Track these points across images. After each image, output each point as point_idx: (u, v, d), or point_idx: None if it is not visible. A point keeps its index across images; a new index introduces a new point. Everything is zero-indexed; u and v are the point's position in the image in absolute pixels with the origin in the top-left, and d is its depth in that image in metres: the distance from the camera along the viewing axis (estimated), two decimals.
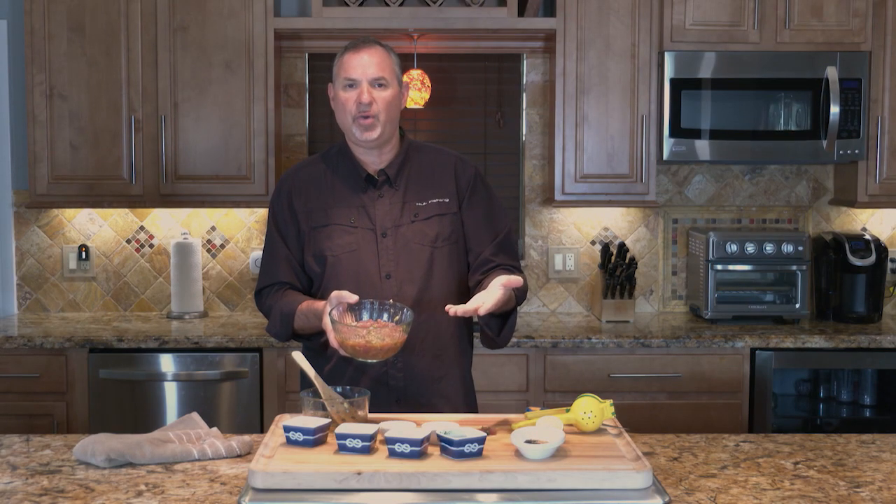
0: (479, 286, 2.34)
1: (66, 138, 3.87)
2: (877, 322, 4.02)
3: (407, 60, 4.06)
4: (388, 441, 1.82)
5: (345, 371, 2.37)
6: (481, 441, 1.82)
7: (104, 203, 3.93)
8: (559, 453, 1.84)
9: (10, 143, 4.19)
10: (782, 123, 3.88)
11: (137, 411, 3.64)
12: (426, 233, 2.40)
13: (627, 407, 3.59)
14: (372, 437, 1.85)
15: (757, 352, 3.69)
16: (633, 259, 4.06)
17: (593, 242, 4.27)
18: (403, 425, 1.94)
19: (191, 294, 4.09)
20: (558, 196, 3.95)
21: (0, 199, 4.20)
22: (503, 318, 2.36)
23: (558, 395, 3.68)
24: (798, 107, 3.86)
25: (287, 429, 1.90)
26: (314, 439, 1.89)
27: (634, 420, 3.56)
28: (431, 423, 1.99)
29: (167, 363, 3.64)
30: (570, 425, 2.01)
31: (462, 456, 1.80)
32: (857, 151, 3.88)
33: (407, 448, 1.80)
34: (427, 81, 4.04)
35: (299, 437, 1.89)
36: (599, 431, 2.00)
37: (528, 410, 2.08)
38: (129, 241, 4.23)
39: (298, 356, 2.15)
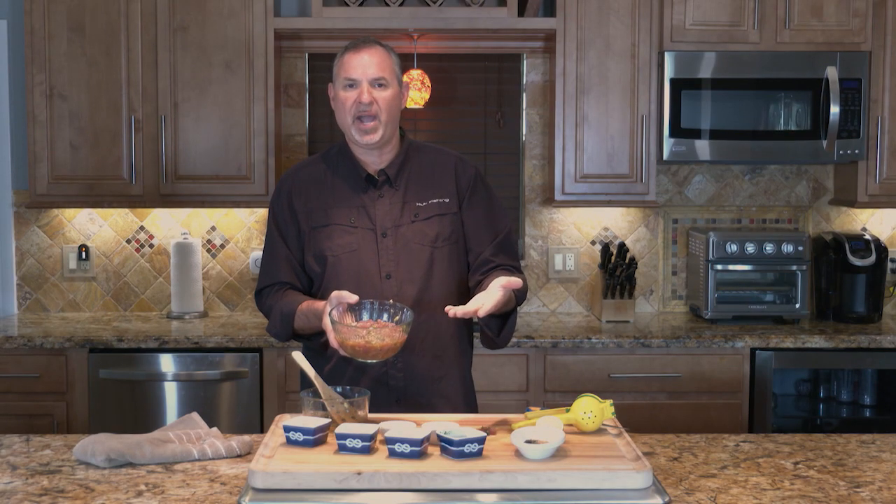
0: (479, 287, 2.34)
1: (66, 138, 3.87)
2: (877, 322, 4.02)
3: (407, 60, 4.06)
4: (388, 441, 1.82)
5: (345, 371, 2.37)
6: (481, 441, 1.82)
7: (104, 203, 3.93)
8: (559, 453, 1.84)
9: (10, 143, 4.19)
10: (782, 123, 3.88)
11: (137, 411, 3.64)
12: (426, 233, 2.40)
13: (627, 407, 3.59)
14: (372, 437, 1.85)
15: (757, 352, 3.69)
16: (633, 259, 4.05)
17: (593, 242, 4.27)
18: (403, 425, 1.94)
19: (191, 294, 4.09)
20: (558, 196, 3.95)
21: (0, 199, 4.20)
22: (503, 318, 2.36)
23: (558, 395, 3.68)
24: (798, 107, 3.86)
25: (287, 429, 1.90)
26: (314, 439, 1.89)
27: (634, 420, 3.56)
28: (431, 423, 1.99)
29: (167, 363, 3.64)
30: (570, 425, 2.01)
31: (462, 456, 1.80)
32: (857, 151, 3.88)
33: (407, 448, 1.80)
34: (427, 81, 4.04)
35: (299, 437, 1.89)
36: (599, 431, 2.00)
37: (528, 410, 2.08)
38: (129, 241, 4.23)
39: (298, 356, 2.15)
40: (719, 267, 3.94)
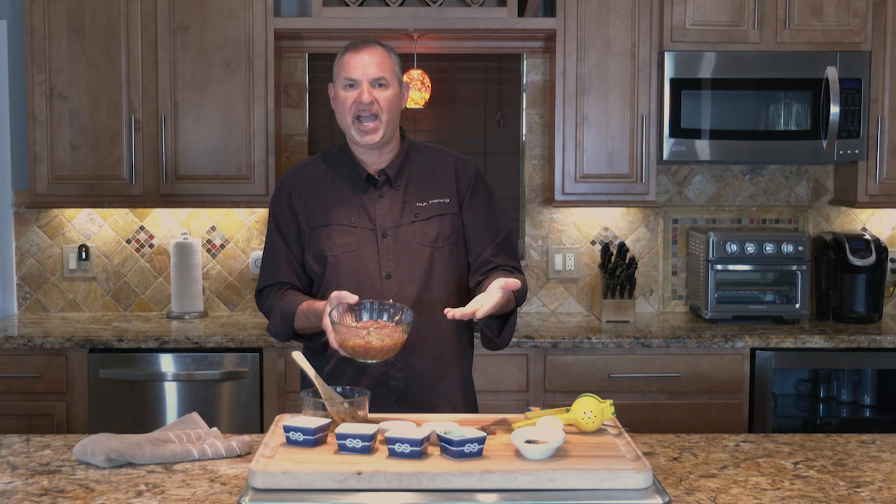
0: (479, 287, 2.34)
1: (66, 138, 3.87)
2: (877, 322, 4.02)
3: (407, 60, 4.06)
4: (388, 441, 1.82)
5: (345, 371, 2.37)
6: (481, 441, 1.82)
7: (104, 203, 3.93)
8: (559, 453, 1.84)
9: (10, 143, 4.19)
10: (782, 123, 3.88)
11: (137, 411, 3.64)
12: (426, 233, 2.40)
13: (627, 407, 3.59)
14: (372, 437, 1.85)
15: (757, 352, 3.69)
16: (633, 259, 4.05)
17: (593, 242, 4.27)
18: (403, 425, 1.94)
19: (191, 294, 4.09)
20: (558, 196, 3.95)
21: (0, 199, 4.20)
22: (503, 319, 2.36)
23: (558, 395, 3.68)
24: (798, 107, 3.86)
25: (287, 429, 1.90)
26: (314, 439, 1.89)
27: (634, 420, 3.56)
28: (431, 423, 1.99)
29: (167, 363, 3.64)
30: (570, 425, 2.01)
31: (462, 456, 1.80)
32: (857, 151, 3.88)
33: (407, 448, 1.80)
34: (427, 81, 4.04)
35: (299, 437, 1.89)
36: (599, 431, 2.00)
37: (528, 410, 2.08)
38: (129, 241, 4.23)
39: (298, 356, 2.15)
40: (719, 267, 3.94)
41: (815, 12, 3.84)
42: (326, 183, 2.44)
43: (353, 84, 2.36)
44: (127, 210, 4.19)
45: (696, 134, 3.85)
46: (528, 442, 1.82)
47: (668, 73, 3.84)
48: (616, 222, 4.27)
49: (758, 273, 4.02)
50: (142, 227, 4.22)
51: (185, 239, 4.10)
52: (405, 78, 3.79)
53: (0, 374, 3.64)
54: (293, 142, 4.22)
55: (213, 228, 4.23)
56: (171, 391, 3.65)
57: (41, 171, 3.88)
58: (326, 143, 4.17)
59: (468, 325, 2.51)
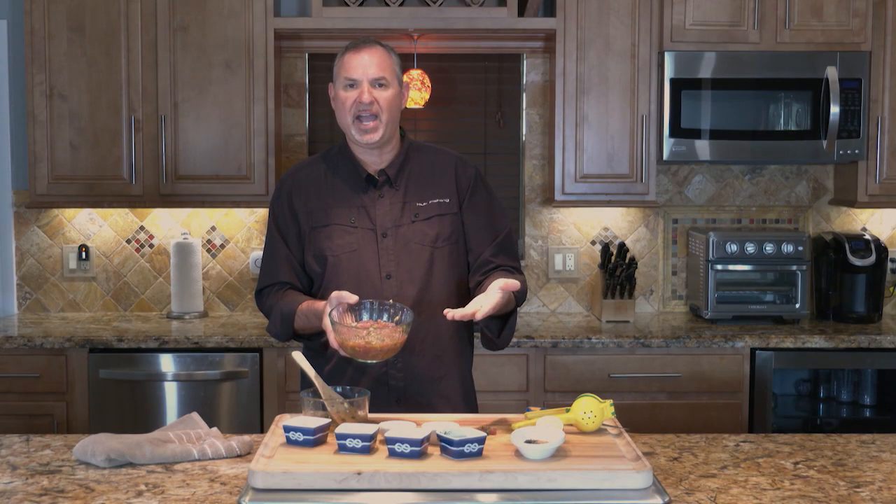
0: (479, 287, 2.34)
1: (66, 138, 3.87)
2: (877, 322, 4.02)
3: (407, 60, 4.06)
4: (388, 441, 1.82)
5: (345, 371, 2.37)
6: (481, 441, 1.82)
7: (104, 203, 3.93)
8: (559, 453, 1.84)
9: (10, 143, 4.19)
10: (782, 123, 3.88)
11: (137, 411, 3.64)
12: (426, 233, 2.40)
13: (627, 407, 3.59)
14: (372, 437, 1.85)
15: (757, 352, 3.69)
16: (633, 259, 4.05)
17: (593, 242, 4.27)
18: (403, 425, 1.94)
19: (191, 294, 4.09)
20: (558, 196, 3.95)
21: (0, 199, 4.20)
22: (503, 319, 2.36)
23: (558, 395, 3.68)
24: (798, 107, 3.86)
25: (287, 429, 1.90)
26: (314, 439, 1.89)
27: (634, 420, 3.56)
28: (431, 423, 1.99)
29: (167, 363, 3.64)
30: (570, 425, 2.01)
31: (462, 456, 1.80)
32: (857, 151, 3.88)
33: (407, 448, 1.80)
34: (427, 81, 4.04)
35: (299, 437, 1.89)
36: (599, 431, 2.01)
37: (528, 410, 2.08)
38: (129, 241, 4.23)
39: (298, 356, 2.15)
40: (719, 267, 3.94)
41: (815, 12, 3.84)
42: (326, 183, 2.44)
43: (353, 84, 2.36)
44: (127, 210, 4.19)
45: (696, 134, 3.85)
46: (528, 442, 1.82)
47: (668, 73, 3.84)
48: (616, 222, 4.27)
49: (758, 273, 4.02)
50: (142, 227, 4.22)
51: (185, 239, 4.10)
52: (405, 78, 3.79)
53: (0, 374, 3.64)
54: (293, 142, 4.22)
55: (213, 228, 4.23)
56: (171, 391, 3.65)
57: (41, 171, 3.88)
58: (326, 143, 4.17)
59: (468, 325, 2.51)
